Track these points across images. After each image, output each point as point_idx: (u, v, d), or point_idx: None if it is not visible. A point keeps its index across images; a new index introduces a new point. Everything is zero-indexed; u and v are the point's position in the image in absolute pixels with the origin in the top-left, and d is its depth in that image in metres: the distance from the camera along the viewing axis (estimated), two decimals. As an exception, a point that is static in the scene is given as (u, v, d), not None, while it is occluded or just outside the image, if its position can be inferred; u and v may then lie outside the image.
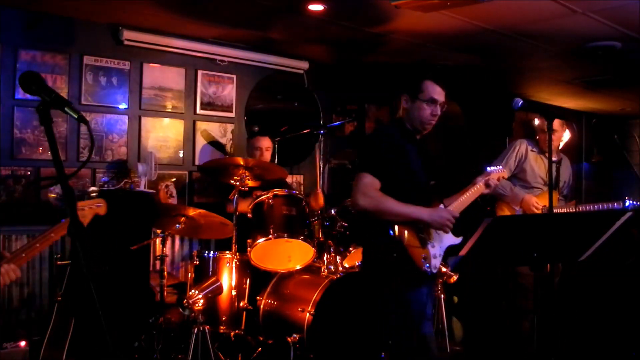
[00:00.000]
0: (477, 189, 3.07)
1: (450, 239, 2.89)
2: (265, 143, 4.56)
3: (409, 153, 2.85)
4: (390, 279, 2.74)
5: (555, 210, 3.14)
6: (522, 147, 4.23)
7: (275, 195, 3.79)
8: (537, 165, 4.22)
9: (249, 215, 3.79)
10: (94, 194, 3.97)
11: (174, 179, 4.99)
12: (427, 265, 2.71)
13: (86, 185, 4.42)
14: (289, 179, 5.46)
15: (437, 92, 2.84)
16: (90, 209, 2.44)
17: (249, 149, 4.69)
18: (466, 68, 5.85)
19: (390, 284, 2.75)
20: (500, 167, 3.25)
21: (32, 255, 2.31)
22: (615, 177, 8.51)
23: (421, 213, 2.73)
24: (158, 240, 4.00)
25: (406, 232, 2.71)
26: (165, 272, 3.80)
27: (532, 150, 4.24)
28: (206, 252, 3.88)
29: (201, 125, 5.19)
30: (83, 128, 4.46)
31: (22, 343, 3.64)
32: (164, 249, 3.84)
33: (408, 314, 2.74)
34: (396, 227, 2.70)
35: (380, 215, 2.72)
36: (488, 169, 3.18)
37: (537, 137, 4.31)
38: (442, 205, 2.91)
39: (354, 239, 3.88)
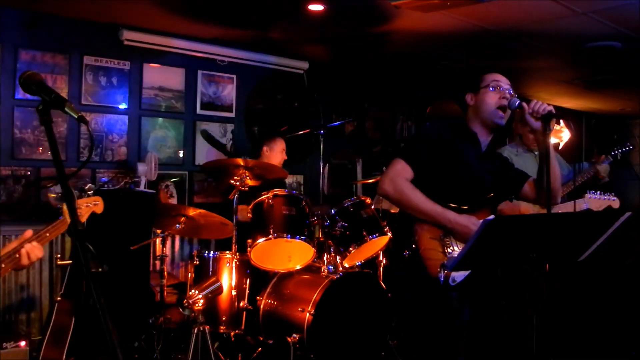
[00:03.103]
0: None
1: None
2: (283, 145, 4.59)
3: (462, 154, 2.63)
4: (409, 279, 2.57)
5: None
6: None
7: (275, 195, 3.78)
8: (524, 165, 4.06)
9: (249, 215, 3.80)
10: (91, 192, 3.96)
11: (176, 179, 4.99)
12: (442, 274, 2.36)
13: (85, 185, 4.42)
14: (289, 179, 5.47)
15: (499, 78, 2.66)
16: (87, 207, 2.43)
17: (272, 148, 4.57)
18: (466, 68, 5.85)
19: (411, 285, 2.57)
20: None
21: (47, 241, 2.28)
22: (616, 177, 8.50)
23: (445, 216, 2.46)
24: (158, 240, 4.00)
25: (427, 232, 2.48)
26: (165, 272, 3.80)
27: (516, 155, 3.96)
28: (206, 252, 3.87)
29: (201, 125, 5.20)
30: (83, 128, 4.46)
31: (22, 343, 3.63)
32: (164, 249, 3.83)
33: (428, 319, 2.56)
34: (418, 225, 2.50)
35: (402, 205, 2.56)
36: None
37: (520, 134, 4.04)
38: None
39: (354, 239, 3.87)
